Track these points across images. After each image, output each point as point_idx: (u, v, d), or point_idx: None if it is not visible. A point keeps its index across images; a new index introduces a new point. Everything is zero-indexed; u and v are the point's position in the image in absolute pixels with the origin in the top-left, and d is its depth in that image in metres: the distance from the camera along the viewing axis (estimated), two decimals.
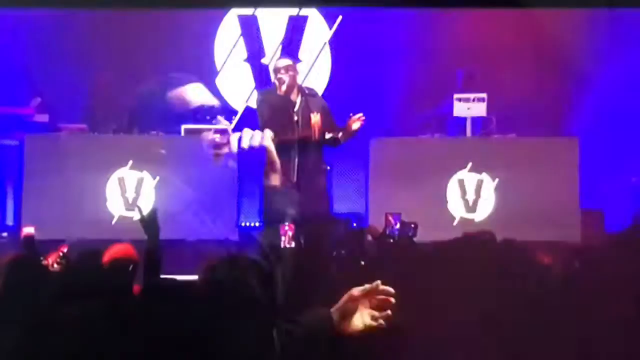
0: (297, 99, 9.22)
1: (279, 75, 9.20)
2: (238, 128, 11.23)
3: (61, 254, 6.51)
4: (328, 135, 9.09)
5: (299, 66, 11.09)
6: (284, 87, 9.04)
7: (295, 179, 9.07)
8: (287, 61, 9.41)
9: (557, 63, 11.47)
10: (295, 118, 9.17)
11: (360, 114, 9.19)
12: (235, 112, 11.62)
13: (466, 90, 10.89)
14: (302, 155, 9.17)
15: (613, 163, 11.32)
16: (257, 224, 10.78)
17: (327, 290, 4.30)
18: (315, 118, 9.21)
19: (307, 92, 9.41)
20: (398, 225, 7.95)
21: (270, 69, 10.48)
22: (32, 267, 5.52)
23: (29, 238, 8.18)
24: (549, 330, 3.87)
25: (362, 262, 5.91)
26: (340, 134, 9.14)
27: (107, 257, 6.43)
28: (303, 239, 7.24)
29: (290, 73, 9.20)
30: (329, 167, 9.67)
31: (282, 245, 7.99)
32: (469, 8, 11.02)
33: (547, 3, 10.25)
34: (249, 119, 11.28)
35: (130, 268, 6.06)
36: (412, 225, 7.86)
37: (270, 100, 9.27)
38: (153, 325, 2.97)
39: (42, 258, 6.48)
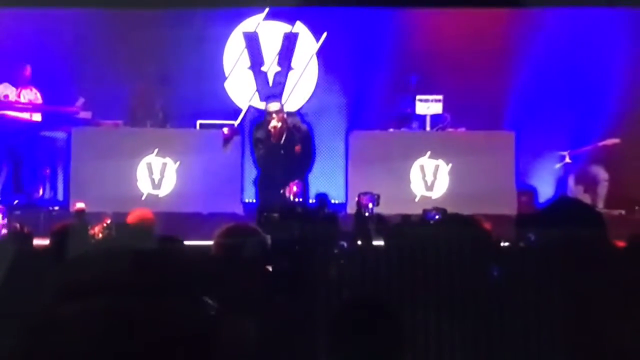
0: (284, 135, 10.12)
1: (272, 123, 10.23)
2: (242, 123, 11.62)
3: (105, 224, 6.76)
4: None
5: (290, 73, 11.56)
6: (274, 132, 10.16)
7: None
8: (277, 105, 10.42)
9: (497, 68, 11.30)
10: (282, 151, 10.20)
11: None
12: (240, 111, 11.60)
13: (421, 92, 10.82)
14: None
15: (541, 152, 11.24)
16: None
17: None
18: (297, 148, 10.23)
19: (291, 125, 10.24)
20: (371, 205, 7.85)
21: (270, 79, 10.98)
22: (80, 233, 5.79)
23: (80, 211, 8.37)
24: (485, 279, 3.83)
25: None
26: None
27: (131, 216, 6.74)
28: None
29: (280, 115, 10.28)
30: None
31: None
32: (466, 7, 10.85)
33: (547, 2, 10.00)
34: (251, 116, 11.53)
35: (149, 225, 6.31)
36: (376, 196, 7.82)
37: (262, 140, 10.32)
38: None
39: (89, 227, 6.73)
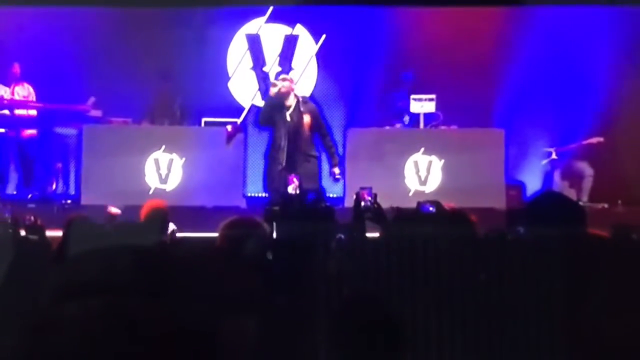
0: (293, 103, 9.76)
1: (278, 83, 9.83)
2: (245, 121, 11.65)
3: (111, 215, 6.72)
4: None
5: (291, 73, 11.50)
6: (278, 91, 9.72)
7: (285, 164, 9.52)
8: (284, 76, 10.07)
9: (488, 69, 11.30)
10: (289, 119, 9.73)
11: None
12: (243, 109, 11.62)
13: (415, 92, 10.83)
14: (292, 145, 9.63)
15: (529, 149, 11.26)
16: (258, 195, 10.75)
17: None
18: (306, 119, 9.75)
19: (300, 99, 9.87)
20: (369, 198, 7.67)
21: (272, 79, 10.89)
22: (90, 225, 5.79)
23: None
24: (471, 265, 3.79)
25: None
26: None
27: (145, 207, 6.74)
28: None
29: (288, 82, 9.89)
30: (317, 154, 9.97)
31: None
32: (466, 6, 10.82)
33: (548, 0, 9.99)
34: (253, 114, 11.48)
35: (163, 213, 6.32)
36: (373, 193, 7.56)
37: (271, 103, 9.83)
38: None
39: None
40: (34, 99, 10.58)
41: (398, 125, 11.04)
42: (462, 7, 10.99)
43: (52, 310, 1.34)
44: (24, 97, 10.60)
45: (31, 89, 10.57)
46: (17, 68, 10.68)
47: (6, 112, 10.45)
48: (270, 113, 9.94)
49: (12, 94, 10.53)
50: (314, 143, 9.92)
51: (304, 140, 9.78)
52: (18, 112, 10.43)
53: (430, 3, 10.76)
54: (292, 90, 10.04)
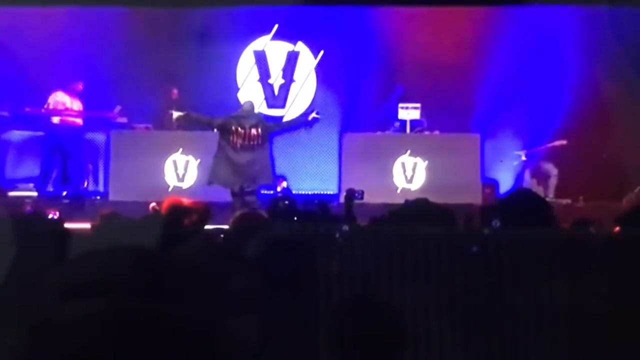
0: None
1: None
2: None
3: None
4: None
5: (293, 85, 11.47)
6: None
7: None
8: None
9: (466, 82, 11.23)
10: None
11: None
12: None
13: (403, 101, 10.85)
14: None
15: (502, 152, 11.22)
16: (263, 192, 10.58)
17: None
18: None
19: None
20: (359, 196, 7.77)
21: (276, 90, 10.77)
22: (122, 220, 5.83)
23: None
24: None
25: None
26: None
27: (166, 202, 6.75)
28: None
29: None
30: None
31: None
32: (465, 6, 10.74)
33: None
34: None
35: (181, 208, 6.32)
36: (362, 191, 7.82)
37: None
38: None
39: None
40: (71, 108, 10.53)
41: (388, 131, 11.03)
42: (458, 7, 10.95)
43: (55, 310, 1.20)
44: (64, 106, 10.52)
45: (66, 98, 10.52)
46: (55, 80, 10.65)
47: (45, 119, 10.45)
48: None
49: (53, 103, 10.47)
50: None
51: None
52: (54, 119, 10.42)
53: (423, 3, 10.74)
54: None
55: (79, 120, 10.53)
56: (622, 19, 10.30)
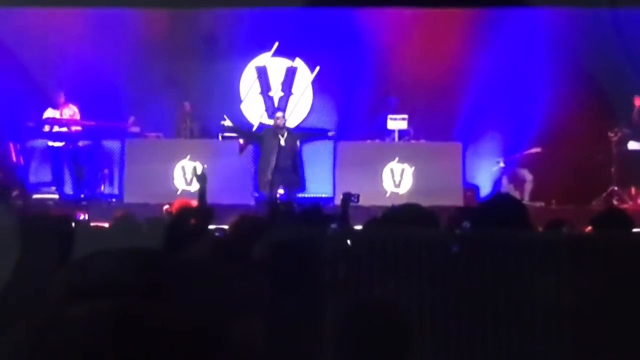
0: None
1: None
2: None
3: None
4: None
5: (291, 98, 11.49)
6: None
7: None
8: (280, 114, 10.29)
9: (449, 95, 11.12)
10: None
11: None
12: (252, 126, 11.52)
13: (395, 112, 10.84)
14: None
15: (482, 159, 11.20)
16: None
17: None
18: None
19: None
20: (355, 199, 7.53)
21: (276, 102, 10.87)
22: (134, 220, 5.77)
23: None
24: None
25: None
26: None
27: (175, 204, 6.73)
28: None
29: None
30: None
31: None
32: (468, 7, 10.60)
33: (550, 1, 9.57)
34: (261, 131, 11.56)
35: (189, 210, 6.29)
36: (358, 195, 7.66)
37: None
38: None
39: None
40: (82, 119, 10.55)
41: (377, 140, 11.01)
42: (453, 9, 10.82)
43: (61, 310, 1.12)
44: (70, 115, 10.50)
45: (76, 109, 10.54)
46: (62, 97, 10.62)
47: (64, 129, 10.43)
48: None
49: (61, 115, 10.48)
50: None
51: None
52: (73, 128, 10.41)
53: (420, 4, 10.65)
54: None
55: (88, 129, 10.56)
56: (620, 21, 10.11)
